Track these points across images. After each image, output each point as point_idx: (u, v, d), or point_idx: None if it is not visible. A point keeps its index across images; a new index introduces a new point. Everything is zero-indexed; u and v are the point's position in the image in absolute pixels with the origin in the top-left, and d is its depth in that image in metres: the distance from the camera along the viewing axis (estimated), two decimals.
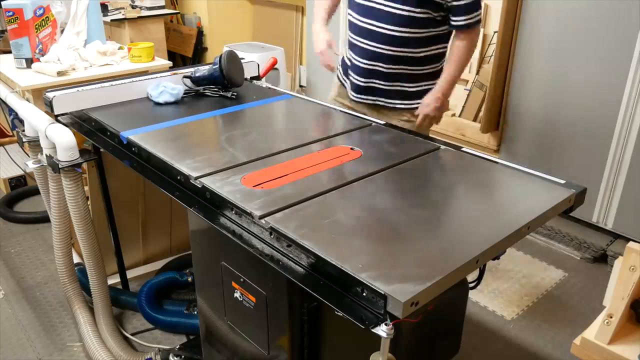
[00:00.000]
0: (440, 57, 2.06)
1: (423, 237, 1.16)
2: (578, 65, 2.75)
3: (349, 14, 2.07)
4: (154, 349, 2.11)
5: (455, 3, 1.86)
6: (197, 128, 1.79)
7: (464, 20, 1.89)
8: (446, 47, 2.04)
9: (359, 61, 2.06)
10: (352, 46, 2.08)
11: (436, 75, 2.05)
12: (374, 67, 2.03)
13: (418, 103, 2.06)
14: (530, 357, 2.19)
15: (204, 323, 1.62)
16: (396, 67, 2.01)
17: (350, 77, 2.12)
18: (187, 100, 2.02)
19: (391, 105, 2.09)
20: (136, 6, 4.96)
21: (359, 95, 2.12)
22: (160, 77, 2.09)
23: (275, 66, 2.40)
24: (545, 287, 2.62)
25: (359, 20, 2.01)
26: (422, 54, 1.99)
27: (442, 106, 2.04)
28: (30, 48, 2.36)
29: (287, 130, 1.87)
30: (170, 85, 1.98)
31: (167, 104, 1.96)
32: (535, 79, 2.96)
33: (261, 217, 1.18)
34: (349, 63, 2.13)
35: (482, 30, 3.67)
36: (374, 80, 2.06)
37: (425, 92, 2.05)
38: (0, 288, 2.54)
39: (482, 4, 3.61)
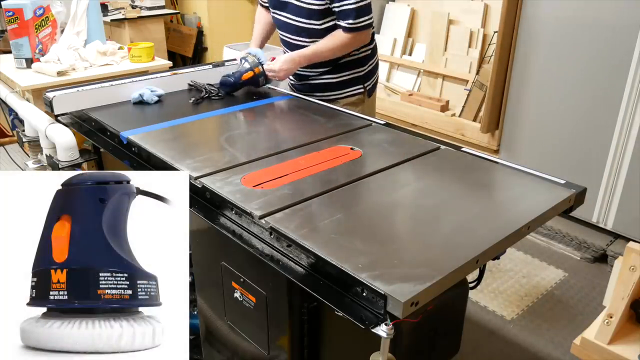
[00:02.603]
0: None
1: (423, 237, 1.16)
2: (578, 65, 2.75)
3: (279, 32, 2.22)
4: None
5: (340, 8, 1.95)
6: (197, 128, 1.79)
7: (349, 24, 1.97)
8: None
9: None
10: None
11: (353, 64, 2.13)
12: (299, 72, 2.17)
13: (342, 93, 2.15)
14: (530, 357, 2.19)
15: (204, 323, 1.62)
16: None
17: (289, 81, 2.28)
18: (188, 100, 2.02)
19: (321, 98, 2.17)
20: (136, 6, 4.96)
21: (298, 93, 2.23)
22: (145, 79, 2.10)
23: None
24: (545, 287, 2.62)
25: (281, 34, 2.18)
26: None
27: (282, 71, 2.07)
28: (30, 48, 2.37)
29: (287, 130, 1.87)
30: (150, 89, 2.00)
31: (146, 103, 1.96)
32: (535, 79, 2.96)
33: (261, 217, 1.18)
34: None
35: (482, 30, 3.67)
36: (303, 82, 2.20)
37: (348, 81, 2.14)
38: None
39: (482, 3, 3.63)
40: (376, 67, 2.24)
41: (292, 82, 2.26)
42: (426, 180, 1.44)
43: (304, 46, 2.08)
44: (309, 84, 2.18)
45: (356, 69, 2.14)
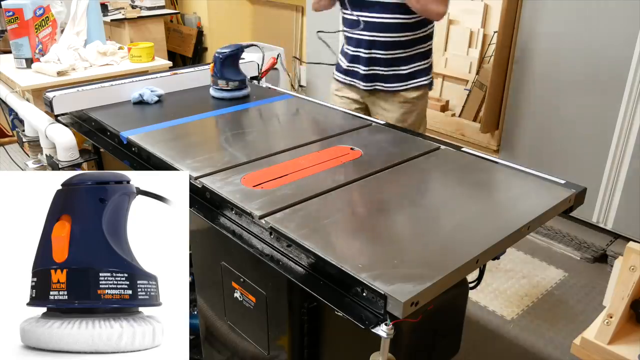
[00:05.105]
0: (426, 39, 2.22)
1: (423, 237, 1.16)
2: (578, 65, 2.75)
3: (343, 11, 2.25)
4: None
5: None
6: (197, 128, 1.79)
7: None
8: (431, 29, 2.22)
9: (359, 52, 2.22)
10: (349, 40, 2.26)
11: (423, 55, 2.22)
12: (374, 55, 2.19)
13: (411, 84, 2.22)
14: (530, 357, 2.19)
15: (204, 323, 1.62)
16: (392, 52, 2.18)
17: (355, 68, 2.27)
18: (188, 100, 2.03)
19: (389, 89, 2.24)
20: (136, 6, 4.97)
21: (365, 84, 2.26)
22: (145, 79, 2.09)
23: (275, 66, 2.40)
24: (545, 287, 2.62)
25: (356, 33, 2.20)
26: (410, 37, 2.16)
27: None
28: (30, 48, 2.37)
29: (287, 130, 1.87)
30: (150, 89, 2.00)
31: (146, 103, 1.96)
32: (535, 79, 2.96)
33: (261, 217, 1.18)
34: (350, 55, 2.28)
35: (482, 30, 3.67)
36: (374, 68, 2.21)
37: (417, 72, 2.21)
38: None
39: (482, 3, 3.63)
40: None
41: (361, 71, 2.23)
42: (426, 180, 1.44)
43: (389, 42, 2.13)
44: (376, 74, 2.21)
45: (423, 60, 2.22)
